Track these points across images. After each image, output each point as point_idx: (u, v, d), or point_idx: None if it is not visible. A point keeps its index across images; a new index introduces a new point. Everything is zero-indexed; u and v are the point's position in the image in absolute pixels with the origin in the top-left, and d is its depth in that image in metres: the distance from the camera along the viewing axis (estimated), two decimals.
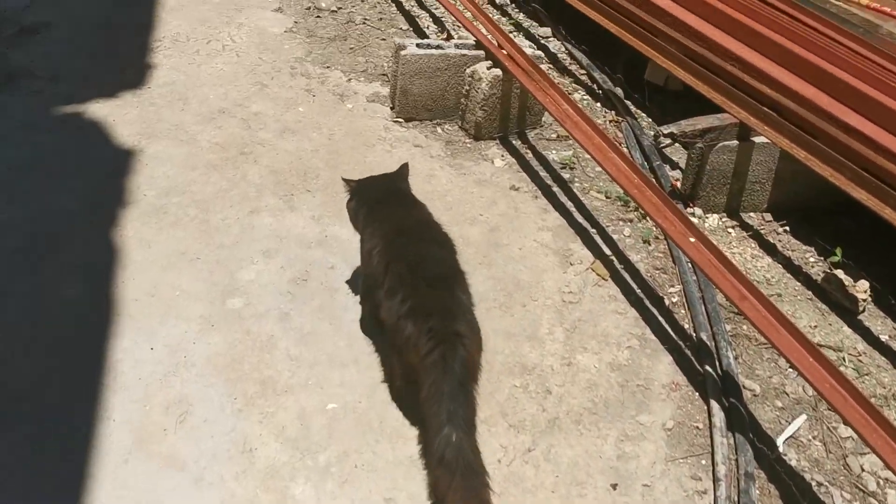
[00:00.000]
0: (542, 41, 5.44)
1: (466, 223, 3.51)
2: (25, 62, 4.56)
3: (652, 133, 4.23)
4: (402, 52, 4.04)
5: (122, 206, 3.48)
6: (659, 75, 4.44)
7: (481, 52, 4.18)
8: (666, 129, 3.62)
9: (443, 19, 5.52)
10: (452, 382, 2.11)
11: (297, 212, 3.49)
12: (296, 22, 5.37)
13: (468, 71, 4.07)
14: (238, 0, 5.60)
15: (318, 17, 5.48)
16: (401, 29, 5.39)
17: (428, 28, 5.40)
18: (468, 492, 2.03)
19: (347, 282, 3.12)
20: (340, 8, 5.60)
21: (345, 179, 2.75)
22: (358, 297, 3.02)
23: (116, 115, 4.12)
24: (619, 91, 4.73)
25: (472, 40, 4.27)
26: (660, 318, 3.05)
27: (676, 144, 4.10)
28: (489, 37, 4.27)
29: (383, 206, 2.63)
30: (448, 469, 2.04)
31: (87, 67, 4.57)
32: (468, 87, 4.08)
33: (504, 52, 4.14)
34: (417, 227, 2.58)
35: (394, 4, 5.74)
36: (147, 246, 3.25)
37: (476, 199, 3.69)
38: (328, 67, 4.82)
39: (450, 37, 5.06)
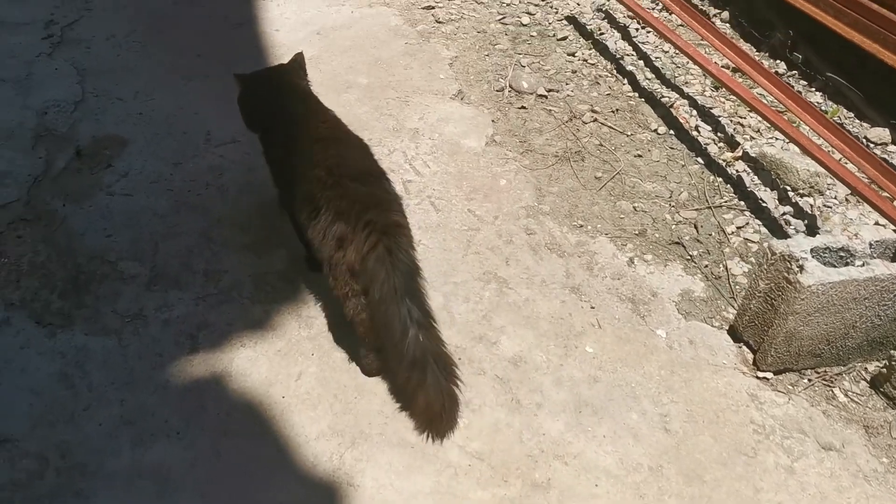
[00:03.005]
0: (877, 151, 3.60)
1: None
2: (98, 238, 2.80)
3: None
4: (803, 282, 2.30)
5: None
6: None
7: None
8: None
9: (712, 110, 3.66)
10: (404, 276, 2.11)
11: None
12: (493, 121, 3.55)
13: None
14: (397, 80, 3.77)
15: (523, 108, 3.65)
16: (655, 133, 3.57)
17: (698, 130, 3.59)
18: (438, 388, 2.18)
19: None
20: (552, 90, 3.75)
21: (235, 75, 2.68)
22: None
23: (288, 389, 2.37)
24: None
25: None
26: None
27: None
28: None
29: (282, 106, 2.59)
30: (420, 369, 2.13)
31: (201, 247, 2.92)
32: None
33: None
34: (326, 129, 2.50)
35: (624, 79, 3.86)
36: None
37: None
38: (582, 227, 3.03)
39: (744, 154, 3.27)
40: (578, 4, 4.48)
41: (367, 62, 3.90)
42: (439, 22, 4.27)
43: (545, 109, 3.73)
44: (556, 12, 4.41)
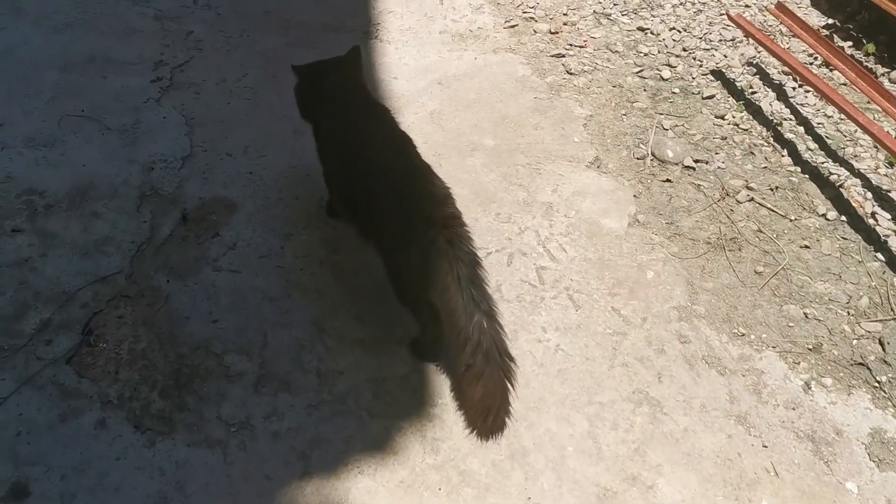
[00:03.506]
0: None
1: None
2: (203, 324, 2.52)
3: None
4: None
5: None
6: None
7: None
8: None
9: (889, 193, 3.18)
10: (468, 266, 2.18)
11: None
12: (635, 196, 3.14)
13: None
14: (526, 142, 3.45)
15: (668, 181, 3.22)
16: (824, 218, 3.14)
17: (875, 217, 3.11)
18: (498, 380, 2.18)
19: None
20: (700, 161, 3.30)
21: (293, 66, 2.77)
22: None
23: None
24: None
25: None
26: None
27: None
28: None
29: (334, 100, 2.68)
30: (483, 355, 2.14)
31: (313, 340, 2.68)
32: None
33: None
34: (373, 127, 2.59)
35: (784, 149, 3.39)
36: None
37: None
38: (744, 336, 2.60)
39: None
40: (725, 57, 4.04)
41: (494, 119, 3.55)
42: (570, 73, 3.90)
43: (693, 184, 3.31)
44: (701, 65, 3.98)
